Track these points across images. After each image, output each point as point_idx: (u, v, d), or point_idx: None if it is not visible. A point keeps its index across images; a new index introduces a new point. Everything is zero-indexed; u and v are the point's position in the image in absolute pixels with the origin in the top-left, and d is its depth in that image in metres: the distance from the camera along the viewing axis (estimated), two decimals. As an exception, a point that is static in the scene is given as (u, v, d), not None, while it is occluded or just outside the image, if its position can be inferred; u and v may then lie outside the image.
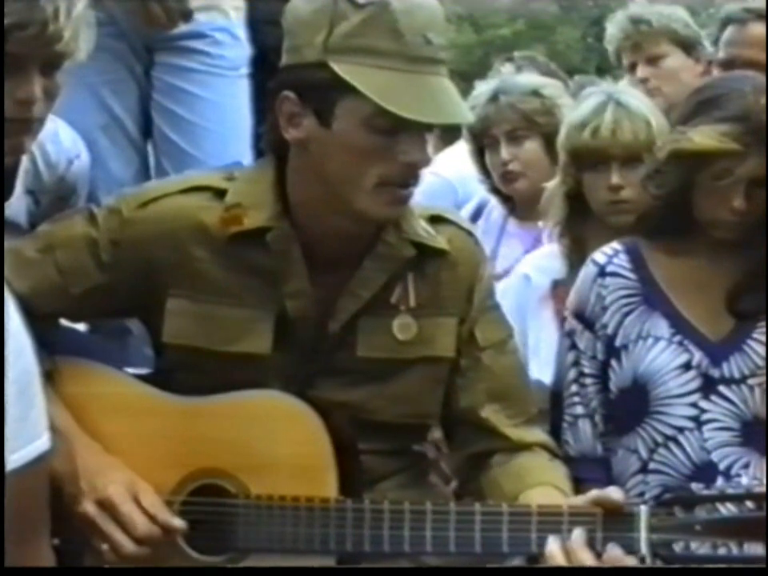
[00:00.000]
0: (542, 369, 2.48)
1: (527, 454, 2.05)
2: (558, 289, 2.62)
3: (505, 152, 3.13)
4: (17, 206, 2.11)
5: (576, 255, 2.56)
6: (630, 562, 1.81)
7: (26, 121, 1.94)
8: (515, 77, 3.56)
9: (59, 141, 2.18)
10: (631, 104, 2.62)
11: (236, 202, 1.98)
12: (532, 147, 3.14)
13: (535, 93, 3.15)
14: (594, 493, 1.87)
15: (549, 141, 3.12)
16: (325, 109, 1.89)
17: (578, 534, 1.81)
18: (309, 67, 1.90)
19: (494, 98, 3.15)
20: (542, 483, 1.97)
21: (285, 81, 1.94)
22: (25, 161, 2.10)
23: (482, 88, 3.24)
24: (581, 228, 2.64)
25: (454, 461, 2.20)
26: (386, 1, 1.88)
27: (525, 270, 2.78)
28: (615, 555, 1.81)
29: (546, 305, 2.68)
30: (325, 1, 1.90)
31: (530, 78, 3.42)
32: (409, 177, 1.93)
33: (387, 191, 1.91)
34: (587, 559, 1.80)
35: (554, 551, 1.81)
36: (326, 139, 1.90)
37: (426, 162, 1.95)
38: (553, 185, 2.72)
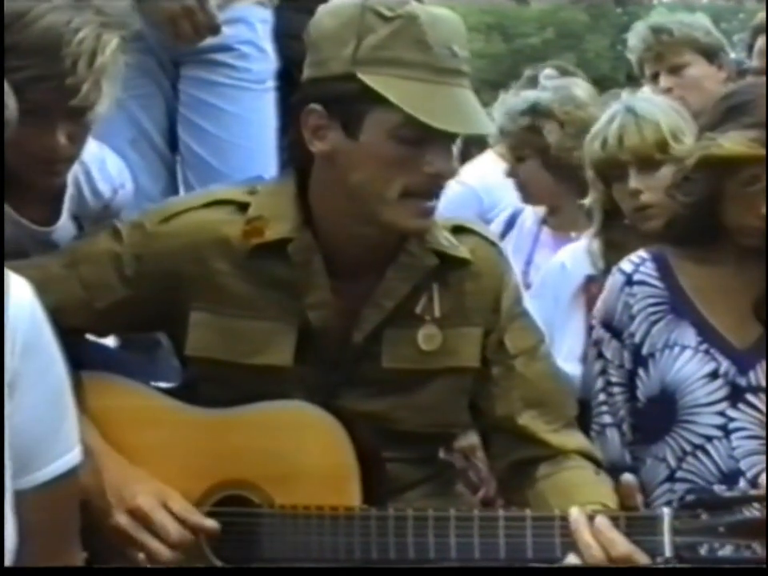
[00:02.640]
0: (565, 363, 2.49)
1: (573, 466, 2.03)
2: (591, 285, 2.63)
3: None
4: (62, 231, 2.12)
5: (613, 256, 2.53)
6: (643, 559, 1.80)
7: (53, 163, 1.97)
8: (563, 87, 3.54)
9: (106, 169, 2.20)
10: (639, 108, 2.61)
11: (258, 214, 1.99)
12: None
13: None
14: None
15: None
16: (352, 120, 1.89)
17: (600, 519, 1.80)
18: (336, 80, 1.91)
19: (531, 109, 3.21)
20: (591, 502, 1.91)
21: (309, 94, 1.94)
22: (70, 187, 2.12)
23: (517, 103, 3.28)
24: (619, 234, 2.64)
25: (496, 470, 2.18)
26: (414, 14, 1.89)
27: (562, 259, 2.80)
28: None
29: (577, 299, 2.69)
30: (351, 15, 1.91)
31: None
32: (434, 187, 1.93)
33: (412, 203, 1.91)
34: (616, 537, 1.79)
35: (585, 537, 1.79)
36: (352, 151, 1.91)
37: (452, 172, 1.95)
38: (588, 200, 2.74)
